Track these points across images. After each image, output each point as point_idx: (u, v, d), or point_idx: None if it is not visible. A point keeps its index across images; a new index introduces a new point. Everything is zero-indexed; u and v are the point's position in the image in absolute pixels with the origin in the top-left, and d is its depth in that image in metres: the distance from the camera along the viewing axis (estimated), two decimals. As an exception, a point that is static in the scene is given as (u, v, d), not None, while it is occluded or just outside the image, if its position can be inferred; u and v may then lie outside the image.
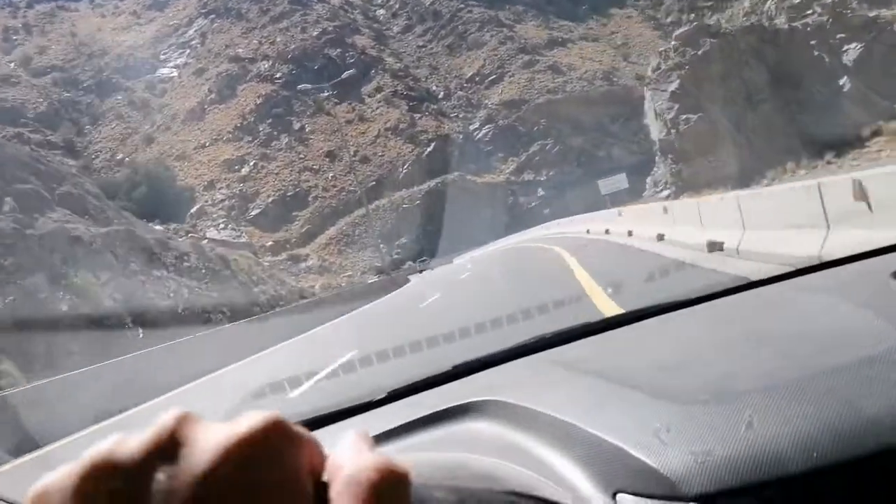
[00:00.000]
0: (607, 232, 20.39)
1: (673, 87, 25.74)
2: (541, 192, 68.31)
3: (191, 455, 0.32)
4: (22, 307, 15.68)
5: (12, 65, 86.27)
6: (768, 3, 28.23)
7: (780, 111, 23.70)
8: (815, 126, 22.66)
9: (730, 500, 0.72)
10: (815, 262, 1.81)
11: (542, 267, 15.75)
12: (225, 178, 73.11)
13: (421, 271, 51.32)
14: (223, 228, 62.52)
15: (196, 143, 78.80)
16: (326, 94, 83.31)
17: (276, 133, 78.64)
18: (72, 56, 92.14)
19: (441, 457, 0.91)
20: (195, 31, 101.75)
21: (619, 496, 0.78)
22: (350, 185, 68.50)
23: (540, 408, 1.01)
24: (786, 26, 24.90)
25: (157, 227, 55.01)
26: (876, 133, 21.69)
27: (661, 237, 13.20)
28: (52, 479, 0.31)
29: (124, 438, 0.33)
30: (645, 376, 1.08)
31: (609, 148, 69.89)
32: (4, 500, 1.06)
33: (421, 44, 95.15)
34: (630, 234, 16.19)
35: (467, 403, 1.16)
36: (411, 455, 0.94)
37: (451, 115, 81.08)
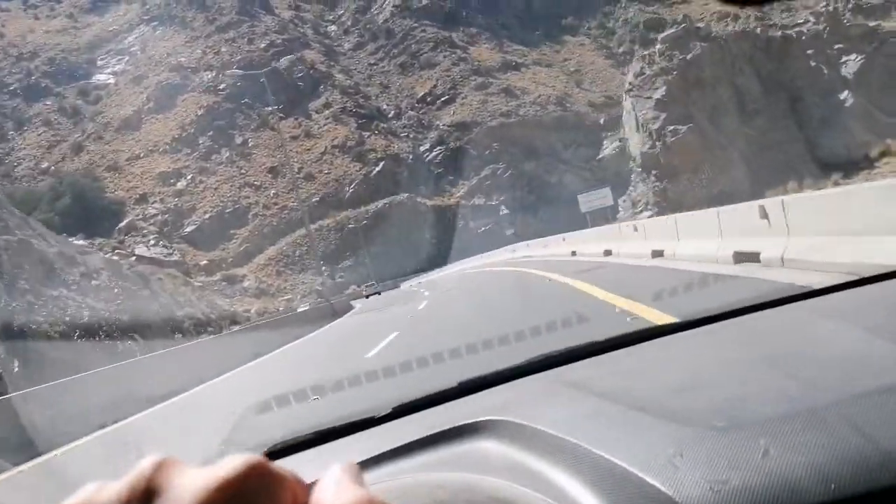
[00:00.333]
0: (574, 253, 18.56)
1: (659, 93, 23.78)
2: (496, 215, 66.41)
3: (169, 502, 0.31)
4: None
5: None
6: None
7: (776, 124, 21.99)
8: (816, 142, 21.05)
9: None
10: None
11: (542, 293, 12.61)
12: (159, 192, 68.82)
13: (367, 296, 48.09)
14: (154, 245, 58.31)
15: (130, 154, 74.27)
16: (272, 108, 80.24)
17: (216, 146, 74.81)
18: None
19: (448, 477, 0.90)
20: (136, 37, 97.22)
21: None
22: (293, 202, 65.28)
23: (549, 429, 0.99)
24: (778, 34, 23.40)
25: (79, 242, 50.71)
26: (885, 153, 20.24)
27: (657, 253, 11.92)
28: None
29: (102, 486, 0.33)
30: (655, 398, 1.07)
31: (562, 174, 68.63)
32: None
33: (372, 62, 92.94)
34: (608, 252, 14.26)
35: (475, 422, 1.14)
36: (419, 476, 0.94)
37: (402, 135, 78.81)
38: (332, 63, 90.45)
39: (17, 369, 13.98)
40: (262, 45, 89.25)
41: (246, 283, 56.22)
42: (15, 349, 14.32)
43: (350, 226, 64.55)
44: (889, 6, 23.95)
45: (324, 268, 60.20)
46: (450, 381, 1.62)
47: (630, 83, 28.41)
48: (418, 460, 1.09)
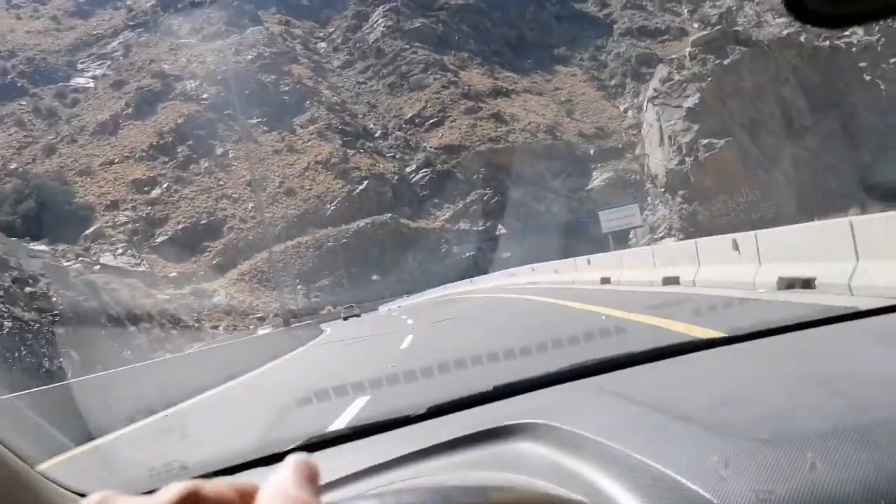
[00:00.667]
0: (608, 280, 15.86)
1: (691, 101, 21.56)
2: (481, 241, 64.43)
3: None
4: None
5: None
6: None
7: (827, 144, 19.91)
8: (875, 167, 19.06)
9: None
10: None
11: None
12: (132, 199, 66.06)
13: (345, 318, 45.19)
14: (121, 254, 55.44)
15: (104, 159, 71.50)
16: (255, 120, 78.08)
17: (195, 156, 72.31)
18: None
19: (487, 476, 0.90)
20: (119, 42, 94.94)
21: None
22: (271, 217, 62.82)
23: (589, 433, 0.99)
24: (826, 44, 21.50)
25: (40, 247, 47.86)
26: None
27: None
28: None
29: None
30: (700, 409, 1.06)
31: (550, 203, 67.10)
32: (66, 489, 1.05)
33: (361, 80, 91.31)
34: (671, 280, 11.95)
35: (513, 424, 1.13)
36: (456, 474, 0.94)
37: (388, 155, 76.88)
38: (319, 79, 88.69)
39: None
40: (250, 57, 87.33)
41: (216, 299, 53.45)
42: None
43: (329, 244, 62.15)
44: None
45: (300, 286, 57.58)
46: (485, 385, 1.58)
47: (655, 90, 25.89)
48: (454, 459, 1.08)
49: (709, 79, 21.87)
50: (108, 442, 8.42)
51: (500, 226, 42.67)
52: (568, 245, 40.25)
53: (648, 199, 27.93)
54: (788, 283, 7.60)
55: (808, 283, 7.31)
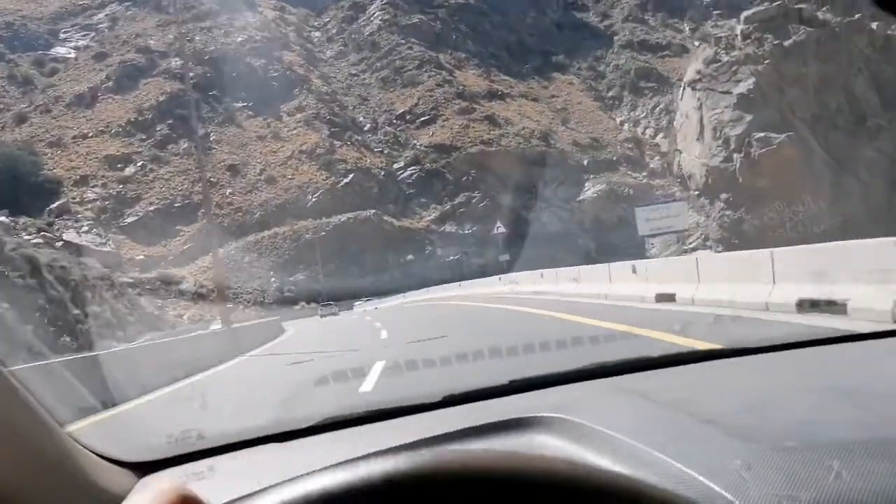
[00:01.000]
0: (667, 297, 11.22)
1: (743, 87, 18.70)
2: (466, 244, 62.19)
3: None
4: None
5: None
6: None
7: None
8: None
9: None
10: None
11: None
12: (103, 176, 62.83)
13: (323, 316, 42.68)
14: (86, 231, 52.22)
15: (77, 132, 68.14)
16: (241, 104, 75.18)
17: (174, 136, 69.17)
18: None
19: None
20: (106, 14, 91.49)
21: None
22: (249, 205, 60.01)
23: (607, 429, 0.98)
24: None
25: (1, 218, 44.96)
26: None
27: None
28: None
29: None
30: (724, 414, 1.07)
31: (539, 211, 65.00)
32: (94, 452, 1.06)
33: (354, 72, 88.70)
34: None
35: (530, 417, 1.13)
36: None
37: (375, 150, 74.31)
38: (311, 68, 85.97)
39: None
40: (240, 39, 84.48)
41: (183, 286, 50.50)
42: None
43: (307, 237, 59.35)
44: None
45: (273, 279, 54.82)
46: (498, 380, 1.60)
47: (698, 71, 22.52)
48: (473, 447, 1.05)
49: (766, 61, 19.05)
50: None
51: (498, 224, 40.28)
52: (557, 255, 38.63)
53: (675, 199, 24.54)
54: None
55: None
